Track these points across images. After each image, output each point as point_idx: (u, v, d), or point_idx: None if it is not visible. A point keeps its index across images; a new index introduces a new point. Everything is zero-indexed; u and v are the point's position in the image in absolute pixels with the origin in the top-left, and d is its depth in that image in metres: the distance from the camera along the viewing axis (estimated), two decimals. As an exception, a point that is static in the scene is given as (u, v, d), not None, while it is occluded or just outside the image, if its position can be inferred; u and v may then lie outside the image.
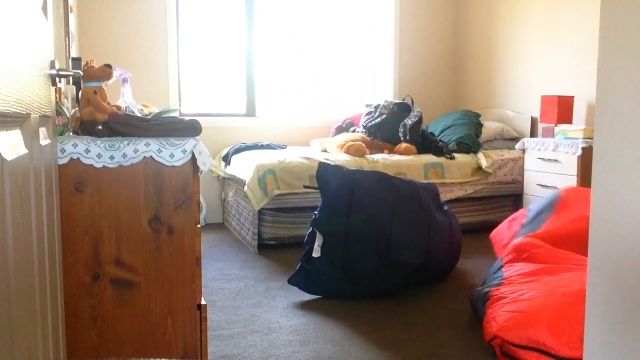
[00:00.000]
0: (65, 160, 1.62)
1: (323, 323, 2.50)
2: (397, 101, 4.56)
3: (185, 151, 1.69)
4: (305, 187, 3.40)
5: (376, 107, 4.58)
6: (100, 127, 1.71)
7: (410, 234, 2.78)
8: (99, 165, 1.64)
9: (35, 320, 1.01)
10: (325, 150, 4.29)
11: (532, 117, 4.63)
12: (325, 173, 2.83)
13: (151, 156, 1.67)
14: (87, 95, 1.73)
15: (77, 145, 1.63)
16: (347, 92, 5.29)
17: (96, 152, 1.64)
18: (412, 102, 4.65)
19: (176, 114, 2.28)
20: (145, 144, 1.67)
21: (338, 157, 3.95)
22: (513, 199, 4.48)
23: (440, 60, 5.54)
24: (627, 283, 1.06)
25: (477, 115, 4.73)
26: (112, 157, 1.65)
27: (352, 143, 4.09)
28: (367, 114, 4.61)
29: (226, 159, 4.34)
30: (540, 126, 4.37)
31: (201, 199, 4.68)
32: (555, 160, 3.83)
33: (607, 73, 1.09)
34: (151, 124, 1.71)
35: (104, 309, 1.68)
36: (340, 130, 4.77)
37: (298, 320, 2.53)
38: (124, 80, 1.96)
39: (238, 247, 3.89)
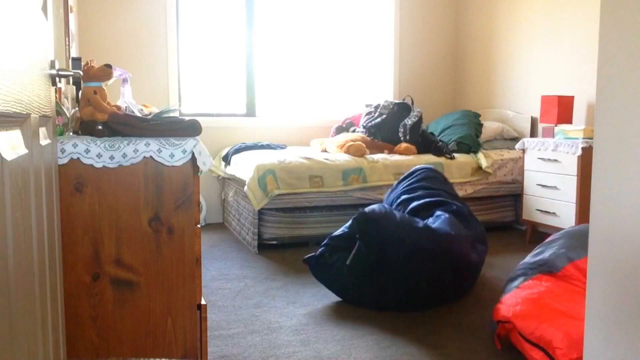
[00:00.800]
0: (65, 160, 1.62)
1: (323, 323, 2.50)
2: (397, 101, 4.56)
3: (185, 151, 1.70)
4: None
5: (376, 107, 4.58)
6: (100, 127, 1.71)
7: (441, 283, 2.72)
8: (99, 165, 1.64)
9: (35, 320, 1.01)
10: (325, 150, 4.29)
11: (532, 117, 4.63)
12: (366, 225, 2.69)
13: (151, 156, 1.67)
14: (87, 95, 1.74)
15: (77, 145, 1.63)
16: (347, 92, 5.29)
17: (96, 152, 1.64)
18: (412, 102, 4.65)
19: (176, 114, 2.29)
20: (145, 144, 1.67)
21: (338, 157, 3.95)
22: (513, 199, 4.48)
23: (440, 60, 5.54)
24: (627, 283, 1.06)
25: (477, 115, 4.73)
26: (112, 157, 1.65)
27: (352, 143, 4.09)
28: (367, 114, 4.61)
29: (226, 159, 4.34)
30: (540, 126, 4.37)
31: (201, 199, 4.68)
32: (555, 160, 3.83)
33: (607, 73, 1.09)
34: (151, 124, 1.72)
35: (104, 309, 1.68)
36: (340, 130, 4.77)
37: (298, 320, 2.53)
38: (124, 80, 1.96)
39: (238, 247, 3.89)
